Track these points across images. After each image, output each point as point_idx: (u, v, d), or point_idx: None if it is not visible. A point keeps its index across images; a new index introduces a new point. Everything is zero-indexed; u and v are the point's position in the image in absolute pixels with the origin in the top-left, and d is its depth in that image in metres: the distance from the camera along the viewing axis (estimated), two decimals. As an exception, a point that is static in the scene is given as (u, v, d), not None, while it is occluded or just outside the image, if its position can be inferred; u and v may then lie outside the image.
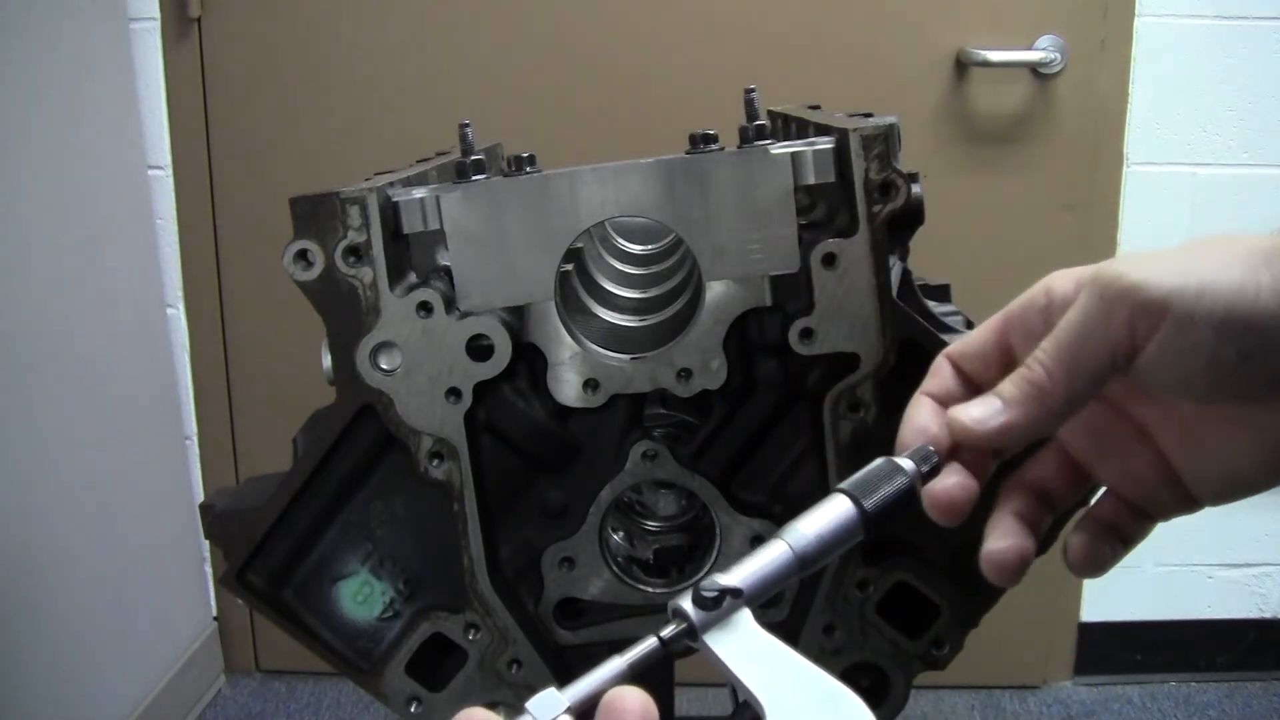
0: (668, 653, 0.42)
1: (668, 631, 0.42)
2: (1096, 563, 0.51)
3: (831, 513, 0.45)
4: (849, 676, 0.74)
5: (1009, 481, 0.52)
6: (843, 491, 0.46)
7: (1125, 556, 0.52)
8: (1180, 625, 2.20)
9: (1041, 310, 0.48)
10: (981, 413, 0.47)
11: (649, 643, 0.42)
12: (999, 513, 0.50)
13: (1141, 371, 0.45)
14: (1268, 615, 2.21)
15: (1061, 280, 0.48)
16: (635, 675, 0.41)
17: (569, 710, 0.39)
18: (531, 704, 0.40)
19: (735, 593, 0.42)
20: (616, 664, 0.41)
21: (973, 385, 0.51)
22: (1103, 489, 0.52)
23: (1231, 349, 0.43)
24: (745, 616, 0.43)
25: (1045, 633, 2.18)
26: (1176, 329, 0.43)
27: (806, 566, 0.44)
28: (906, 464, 0.46)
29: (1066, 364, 0.45)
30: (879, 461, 0.47)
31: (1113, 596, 2.17)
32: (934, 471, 0.47)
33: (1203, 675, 2.22)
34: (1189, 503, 0.50)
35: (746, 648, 0.42)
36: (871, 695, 0.74)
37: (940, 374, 0.51)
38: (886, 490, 0.46)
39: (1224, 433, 0.47)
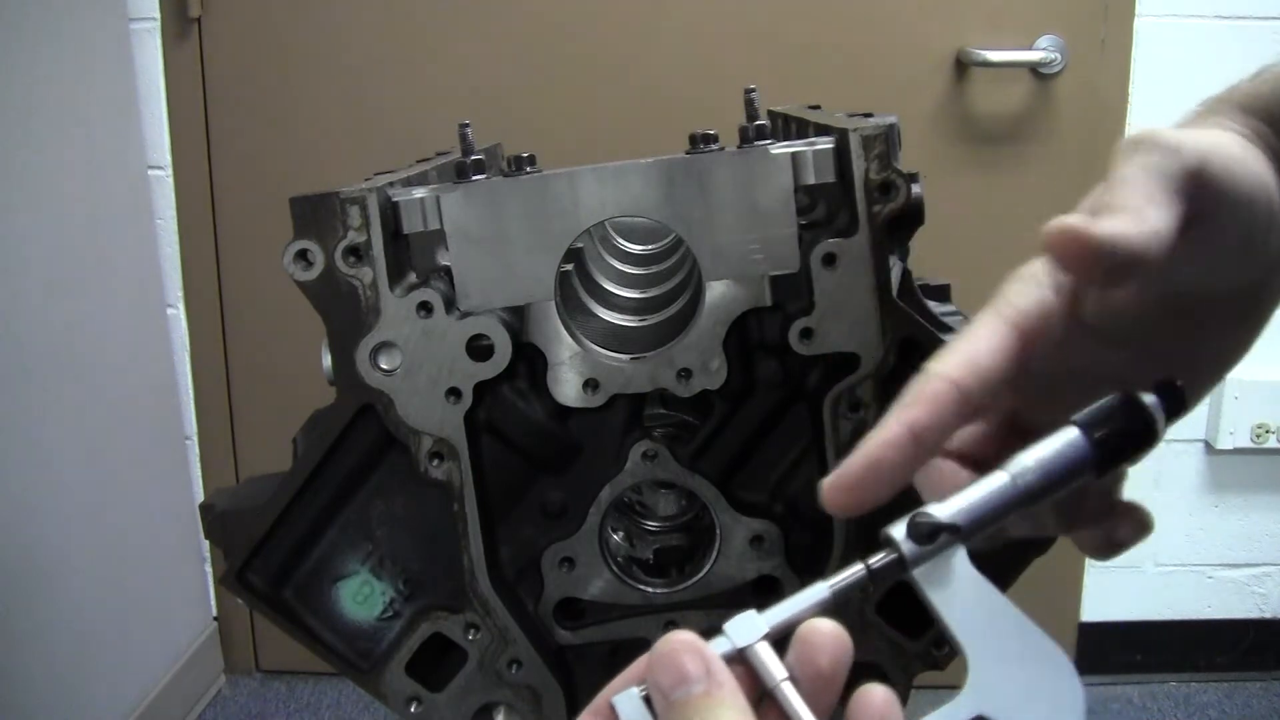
0: (873, 583, 0.40)
1: (876, 561, 0.40)
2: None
3: (1058, 443, 0.41)
4: (848, 677, 0.74)
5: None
6: (1073, 422, 0.42)
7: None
8: (1180, 625, 2.20)
9: (1062, 312, 0.43)
10: (1122, 223, 0.38)
11: (856, 570, 0.40)
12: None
13: (1196, 246, 0.41)
14: (1268, 615, 2.21)
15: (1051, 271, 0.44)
16: (838, 604, 0.39)
17: (766, 636, 0.37)
18: (729, 625, 0.38)
19: (952, 529, 0.40)
20: (819, 590, 0.39)
21: (968, 419, 0.42)
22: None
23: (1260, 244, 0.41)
24: (959, 555, 0.40)
25: (1045, 633, 2.18)
26: (1236, 196, 0.40)
27: (1029, 500, 0.41)
28: (1148, 398, 0.42)
29: (1150, 197, 0.39)
30: (1114, 395, 0.42)
31: (1113, 597, 2.17)
32: (1179, 409, 0.42)
33: (1203, 675, 2.22)
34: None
35: (957, 588, 0.39)
36: (871, 695, 0.74)
37: (936, 402, 0.41)
38: (1122, 423, 0.42)
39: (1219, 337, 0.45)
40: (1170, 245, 0.39)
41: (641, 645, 0.75)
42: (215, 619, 2.22)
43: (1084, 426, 0.41)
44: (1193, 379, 0.45)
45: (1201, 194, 0.40)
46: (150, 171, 2.02)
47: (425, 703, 0.74)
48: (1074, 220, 0.38)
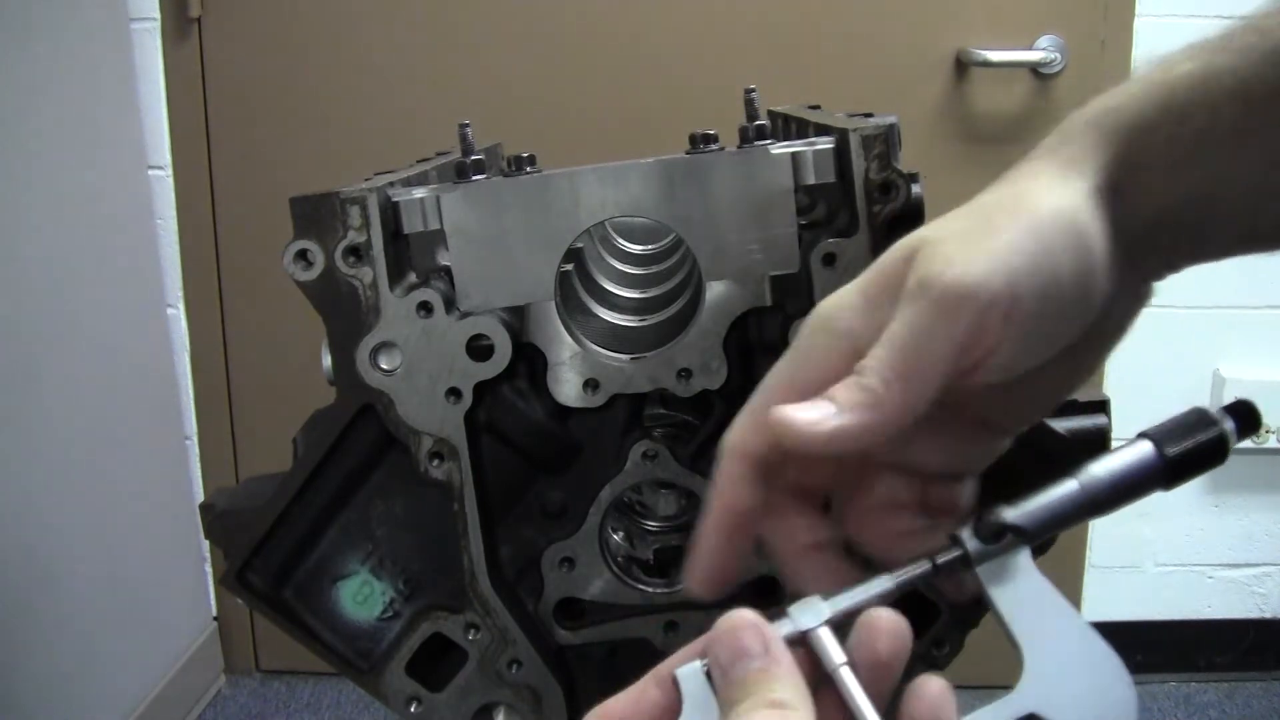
0: (936, 578, 0.41)
1: (941, 557, 0.41)
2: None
3: (1128, 455, 0.42)
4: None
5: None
6: (1146, 436, 0.43)
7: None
8: (1180, 625, 2.20)
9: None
10: (814, 414, 0.41)
11: (920, 564, 0.41)
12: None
13: (987, 368, 0.42)
14: (1268, 615, 2.21)
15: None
16: (901, 596, 0.40)
17: (828, 621, 0.39)
18: (794, 609, 0.39)
19: (1018, 530, 0.41)
20: (883, 582, 0.40)
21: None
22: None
23: (1076, 325, 0.42)
24: (1023, 556, 0.41)
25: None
26: (1025, 323, 0.40)
27: (1096, 509, 0.42)
28: (1221, 416, 0.43)
29: (903, 374, 0.40)
30: (1189, 409, 0.44)
31: (1113, 596, 2.17)
32: (1252, 426, 0.43)
33: (1203, 675, 2.22)
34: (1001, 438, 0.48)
35: (1018, 589, 0.41)
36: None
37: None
38: (1194, 439, 0.42)
39: (1045, 383, 0.45)
40: (911, 420, 0.41)
41: (641, 645, 0.75)
42: (215, 619, 2.22)
43: (1157, 441, 0.42)
44: (1041, 411, 0.47)
45: (1002, 331, 0.40)
46: (150, 171, 2.02)
47: (425, 703, 0.74)
48: (787, 414, 0.41)
